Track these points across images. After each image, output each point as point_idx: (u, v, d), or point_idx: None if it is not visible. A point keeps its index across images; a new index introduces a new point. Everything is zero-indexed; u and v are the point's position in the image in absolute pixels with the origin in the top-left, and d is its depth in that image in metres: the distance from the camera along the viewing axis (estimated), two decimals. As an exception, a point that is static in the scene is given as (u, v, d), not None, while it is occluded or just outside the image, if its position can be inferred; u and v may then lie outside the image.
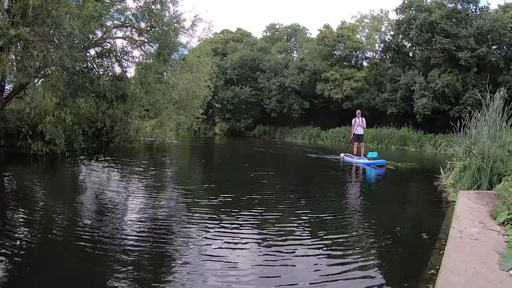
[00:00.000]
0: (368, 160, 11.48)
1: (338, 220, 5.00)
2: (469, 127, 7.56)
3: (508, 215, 3.63)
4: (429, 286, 2.78)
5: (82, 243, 3.62)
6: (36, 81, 11.53)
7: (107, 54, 12.71)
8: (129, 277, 2.96)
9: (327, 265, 3.30)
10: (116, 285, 2.83)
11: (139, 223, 4.53)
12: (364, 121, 12.74)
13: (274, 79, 30.53)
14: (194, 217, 4.80)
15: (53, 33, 9.37)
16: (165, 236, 4.06)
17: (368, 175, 10.10)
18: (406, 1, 24.48)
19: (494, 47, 21.27)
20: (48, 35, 9.29)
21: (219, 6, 70.48)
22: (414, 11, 23.60)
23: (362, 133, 12.84)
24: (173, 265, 3.30)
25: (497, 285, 2.32)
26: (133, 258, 3.33)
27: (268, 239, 4.02)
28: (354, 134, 12.78)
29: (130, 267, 3.14)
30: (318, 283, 2.96)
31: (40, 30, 9.10)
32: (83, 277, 3.01)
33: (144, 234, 4.07)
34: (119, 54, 12.79)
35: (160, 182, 7.93)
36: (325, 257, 3.50)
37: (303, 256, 3.54)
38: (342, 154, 13.05)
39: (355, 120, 12.60)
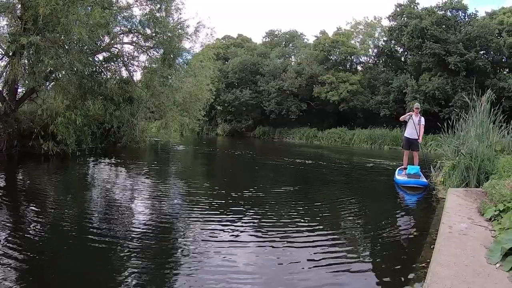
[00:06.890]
0: (407, 177, 7.43)
1: (331, 217, 4.99)
2: (457, 128, 7.55)
3: (495, 211, 3.63)
4: (420, 279, 2.78)
5: (90, 239, 3.61)
6: (47, 84, 11.52)
7: (114, 58, 12.70)
8: (134, 274, 2.95)
9: (322, 260, 3.29)
10: (121, 281, 2.82)
11: (146, 221, 4.52)
12: (423, 122, 7.87)
13: (273, 82, 30.55)
14: (202, 217, 4.80)
15: (63, 39, 9.38)
16: (169, 234, 4.07)
17: (361, 174, 10.07)
18: (398, 9, 24.56)
19: (482, 52, 21.34)
20: (58, 41, 9.30)
21: (221, 12, 70.70)
22: (405, 18, 23.67)
23: (417, 137, 7.85)
24: (176, 263, 3.30)
25: (485, 278, 2.32)
26: (138, 256, 3.31)
27: (268, 237, 4.01)
28: (405, 137, 8.20)
29: (135, 265, 3.12)
30: (314, 279, 2.95)
31: (50, 36, 9.11)
32: (91, 272, 3.00)
33: (150, 233, 4.06)
34: (126, 58, 12.80)
35: (165, 182, 7.92)
36: (320, 253, 3.49)
37: (298, 248, 3.54)
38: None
39: (411, 117, 7.91)
